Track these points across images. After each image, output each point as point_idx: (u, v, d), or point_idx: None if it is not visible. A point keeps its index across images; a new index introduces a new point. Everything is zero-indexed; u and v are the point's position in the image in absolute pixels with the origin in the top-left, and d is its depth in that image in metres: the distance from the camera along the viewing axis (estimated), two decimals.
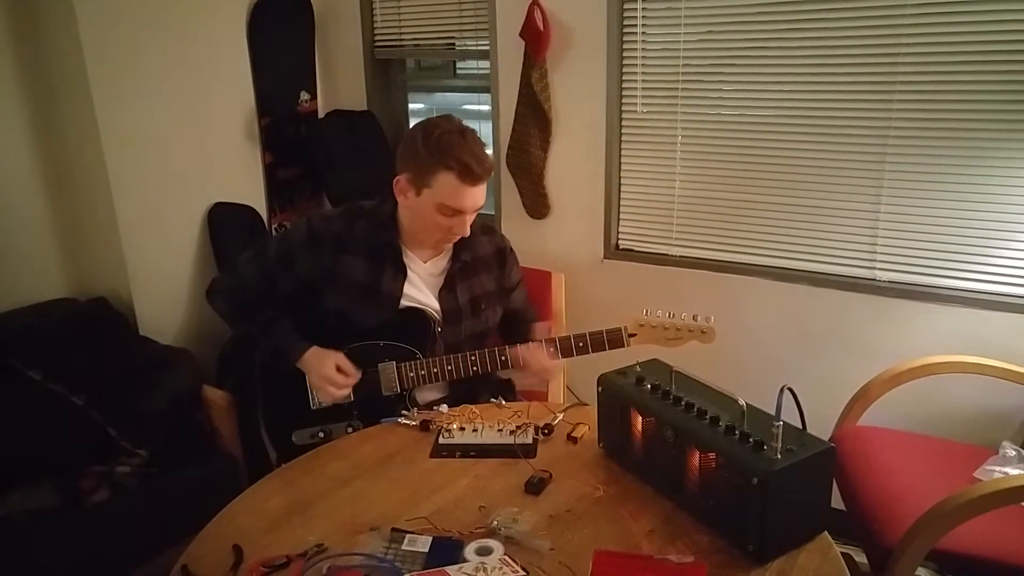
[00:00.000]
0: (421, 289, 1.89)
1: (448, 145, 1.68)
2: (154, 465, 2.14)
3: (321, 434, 1.85)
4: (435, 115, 1.81)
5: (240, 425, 2.29)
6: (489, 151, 1.80)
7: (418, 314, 1.86)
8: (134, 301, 2.52)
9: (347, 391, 1.81)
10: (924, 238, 2.24)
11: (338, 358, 1.80)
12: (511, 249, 2.02)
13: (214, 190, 2.78)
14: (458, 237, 1.82)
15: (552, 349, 1.82)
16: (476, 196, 1.74)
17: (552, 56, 2.64)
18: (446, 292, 1.90)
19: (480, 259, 1.95)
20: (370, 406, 1.83)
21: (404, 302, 1.86)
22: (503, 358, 1.82)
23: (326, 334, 1.83)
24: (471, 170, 1.68)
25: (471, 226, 1.88)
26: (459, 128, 1.72)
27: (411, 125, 3.26)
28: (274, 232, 3.04)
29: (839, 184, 2.32)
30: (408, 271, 1.87)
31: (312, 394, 1.87)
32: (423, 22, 3.00)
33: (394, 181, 1.79)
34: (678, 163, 2.58)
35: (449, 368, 1.82)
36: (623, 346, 1.81)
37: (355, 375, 1.82)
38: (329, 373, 1.78)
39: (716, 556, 1.24)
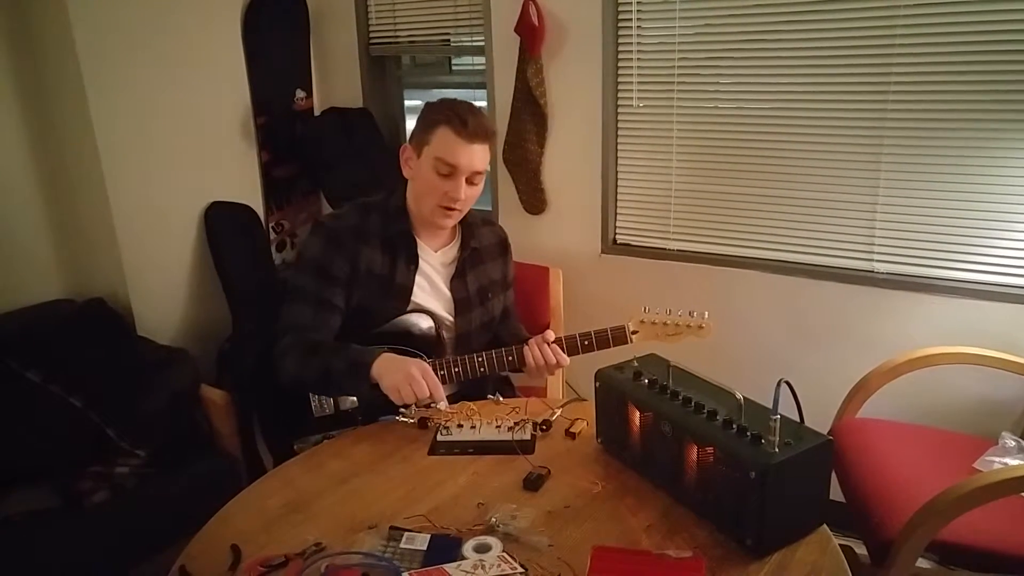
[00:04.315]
0: (432, 280, 1.89)
1: (447, 104, 1.78)
2: (153, 465, 2.14)
3: (325, 441, 1.84)
4: None
5: (239, 424, 2.28)
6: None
7: (422, 317, 1.86)
8: (131, 301, 2.52)
9: (427, 392, 1.64)
10: (922, 229, 2.23)
11: (419, 363, 1.68)
12: (509, 242, 2.06)
13: (211, 189, 2.77)
14: (455, 207, 1.79)
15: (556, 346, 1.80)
16: (471, 154, 1.75)
17: (547, 51, 2.64)
18: (457, 280, 1.91)
19: (486, 248, 1.98)
20: (373, 411, 1.82)
21: (412, 299, 1.86)
22: (510, 358, 1.81)
23: (344, 332, 1.82)
24: (466, 123, 1.73)
25: (474, 217, 1.93)
26: (462, 99, 1.80)
27: (407, 122, 3.29)
28: (271, 231, 3.04)
29: (836, 176, 2.32)
30: (420, 260, 1.88)
31: (314, 402, 1.86)
32: (418, 18, 2.99)
33: (400, 150, 1.84)
34: (674, 157, 2.58)
35: (456, 370, 1.80)
36: (627, 343, 1.81)
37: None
38: (414, 371, 1.63)
39: (715, 550, 1.23)
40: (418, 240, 1.88)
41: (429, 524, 1.32)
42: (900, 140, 2.20)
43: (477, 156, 1.77)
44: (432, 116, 1.77)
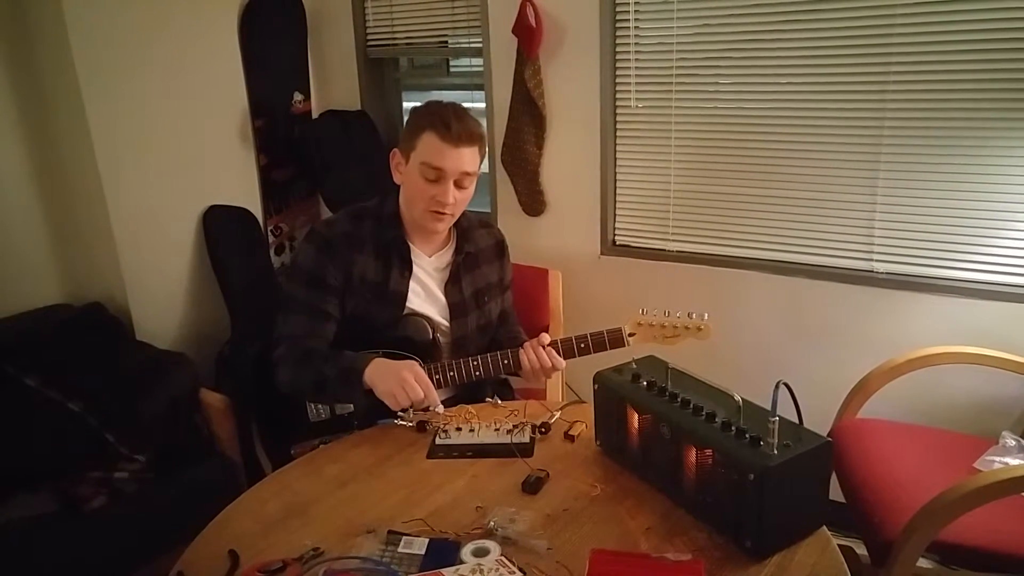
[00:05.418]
0: (427, 285, 1.88)
1: (432, 108, 1.77)
2: (152, 470, 2.13)
3: (322, 446, 1.83)
4: None
5: (238, 428, 2.28)
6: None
7: (418, 323, 1.85)
8: (130, 306, 2.52)
9: (421, 395, 1.65)
10: (921, 229, 2.23)
11: (411, 365, 1.68)
12: (507, 244, 2.04)
13: (209, 193, 2.77)
14: (445, 211, 1.77)
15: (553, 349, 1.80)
16: (457, 158, 1.73)
17: (545, 52, 2.63)
18: (451, 285, 1.90)
19: (482, 251, 1.96)
20: (370, 415, 1.81)
21: (407, 304, 1.86)
22: (506, 362, 1.81)
23: (342, 340, 1.81)
24: (449, 127, 1.71)
25: (470, 220, 1.92)
26: (448, 101, 1.79)
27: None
28: (269, 234, 3.03)
29: (835, 176, 2.31)
30: (414, 266, 1.87)
31: (310, 407, 1.85)
32: (415, 20, 2.99)
33: (390, 156, 1.82)
34: (673, 158, 2.57)
35: (451, 374, 1.80)
36: (623, 346, 1.80)
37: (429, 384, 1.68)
38: (406, 375, 1.63)
39: (714, 553, 1.23)
40: (412, 245, 1.87)
41: (427, 528, 1.32)
42: (899, 139, 2.20)
43: (464, 159, 1.74)
44: (417, 121, 1.75)
